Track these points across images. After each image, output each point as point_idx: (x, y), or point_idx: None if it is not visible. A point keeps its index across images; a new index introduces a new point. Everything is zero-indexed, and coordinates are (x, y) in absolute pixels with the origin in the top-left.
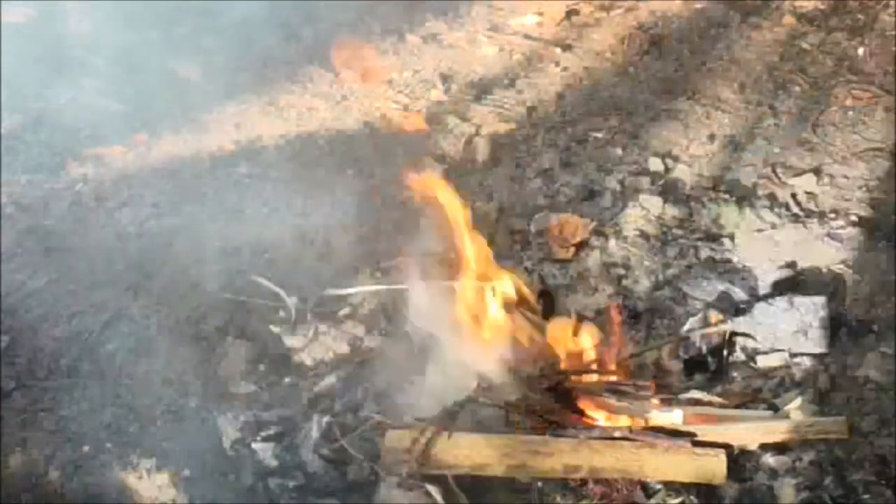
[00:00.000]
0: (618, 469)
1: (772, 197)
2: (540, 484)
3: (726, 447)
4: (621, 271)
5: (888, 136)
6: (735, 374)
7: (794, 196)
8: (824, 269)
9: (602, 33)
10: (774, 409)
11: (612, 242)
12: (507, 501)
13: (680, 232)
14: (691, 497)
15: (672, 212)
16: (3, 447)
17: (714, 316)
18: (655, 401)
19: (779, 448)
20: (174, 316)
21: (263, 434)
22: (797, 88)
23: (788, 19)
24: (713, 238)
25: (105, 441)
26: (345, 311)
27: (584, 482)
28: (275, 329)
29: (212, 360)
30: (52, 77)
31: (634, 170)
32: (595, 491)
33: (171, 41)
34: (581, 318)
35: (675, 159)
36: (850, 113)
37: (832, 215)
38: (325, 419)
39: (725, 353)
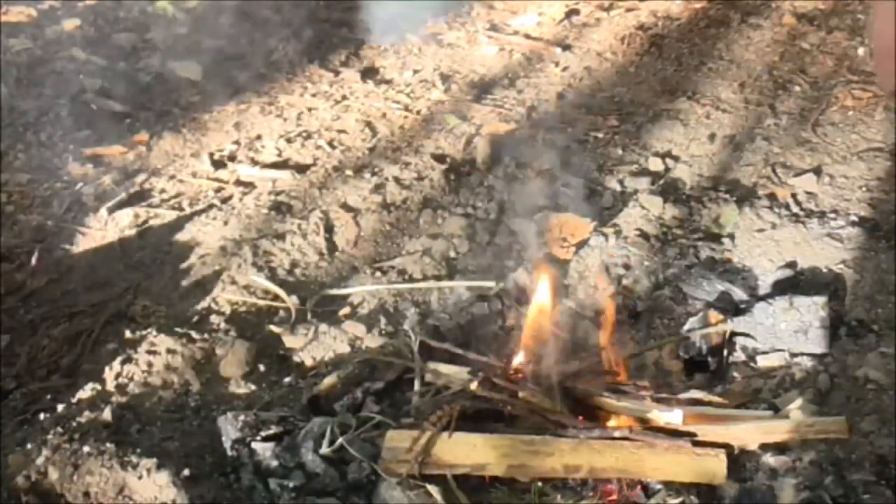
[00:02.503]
0: (618, 469)
1: (772, 197)
2: (540, 484)
3: (726, 447)
4: (621, 271)
5: (888, 136)
6: (735, 374)
7: (794, 196)
8: (824, 269)
9: (602, 33)
10: (774, 409)
11: (612, 242)
12: (508, 501)
13: (680, 232)
14: (691, 497)
15: (672, 212)
16: (3, 447)
17: (714, 316)
18: (655, 401)
19: (779, 448)
20: (174, 316)
21: (263, 434)
22: (797, 88)
23: (788, 19)
24: (713, 238)
25: (105, 441)
26: (345, 311)
27: (584, 482)
28: (275, 329)
29: (212, 360)
30: (52, 77)
31: (634, 170)
32: (595, 491)
33: (171, 41)
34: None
35: (676, 159)
36: (850, 113)
37: (832, 215)
38: (325, 419)
39: (725, 353)
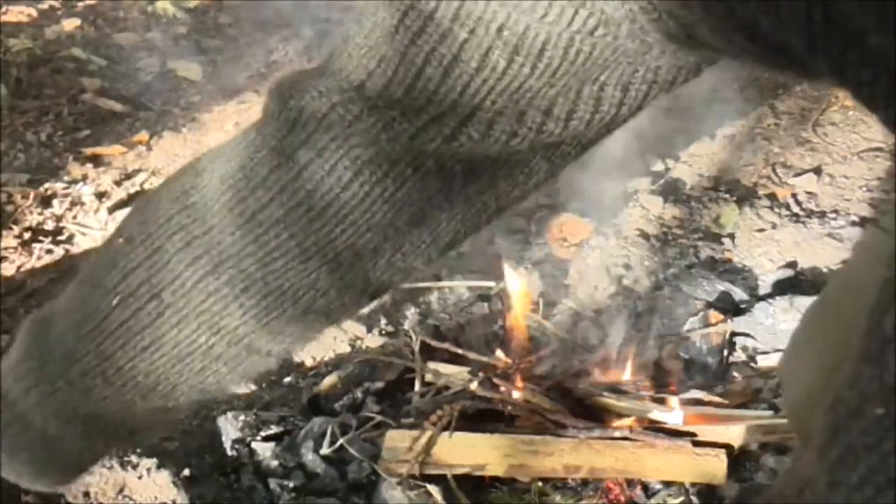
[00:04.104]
0: (618, 469)
1: (772, 197)
2: (540, 484)
3: (726, 447)
4: (621, 271)
5: (888, 136)
6: (735, 374)
7: (794, 196)
8: (824, 269)
9: None
10: (774, 409)
11: (612, 242)
12: (508, 501)
13: (680, 232)
14: (691, 497)
15: (672, 212)
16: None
17: (714, 316)
18: (655, 401)
19: (779, 448)
20: None
21: (263, 434)
22: (797, 88)
23: None
24: (713, 238)
25: None
26: None
27: (584, 482)
28: None
29: None
30: (52, 77)
31: (634, 170)
32: (596, 491)
33: (171, 41)
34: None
35: (676, 159)
36: (850, 113)
37: (832, 215)
38: (326, 419)
39: (725, 353)
